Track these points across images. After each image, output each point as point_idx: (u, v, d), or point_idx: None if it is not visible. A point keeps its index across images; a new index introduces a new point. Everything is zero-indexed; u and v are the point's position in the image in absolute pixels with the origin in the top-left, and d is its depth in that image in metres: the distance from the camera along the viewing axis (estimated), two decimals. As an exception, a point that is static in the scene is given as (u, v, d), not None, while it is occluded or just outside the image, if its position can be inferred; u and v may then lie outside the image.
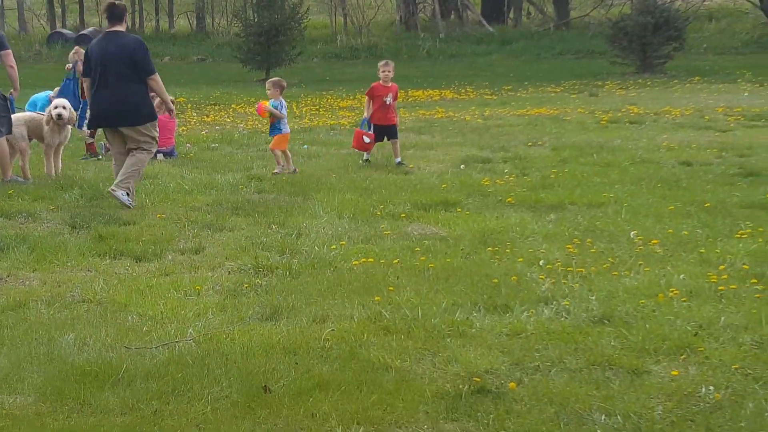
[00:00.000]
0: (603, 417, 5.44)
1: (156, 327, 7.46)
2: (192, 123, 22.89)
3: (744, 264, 8.77)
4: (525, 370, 6.30)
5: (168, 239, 10.60)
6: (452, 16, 63.29)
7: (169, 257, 9.88)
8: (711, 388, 5.87)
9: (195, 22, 67.81)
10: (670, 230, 10.21)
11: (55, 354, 6.78)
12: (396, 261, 9.28)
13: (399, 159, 15.56)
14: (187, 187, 13.92)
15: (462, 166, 15.45)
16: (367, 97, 15.77)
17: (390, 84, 15.54)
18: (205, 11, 67.23)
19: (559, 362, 6.43)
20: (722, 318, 7.22)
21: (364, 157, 15.91)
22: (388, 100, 15.35)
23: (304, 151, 18.14)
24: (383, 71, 15.43)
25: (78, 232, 10.93)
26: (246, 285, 8.63)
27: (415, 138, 20.10)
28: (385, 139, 15.75)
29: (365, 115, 15.60)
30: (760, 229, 10.11)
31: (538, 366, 6.37)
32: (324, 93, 33.64)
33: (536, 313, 7.49)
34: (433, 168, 15.57)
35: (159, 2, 68.09)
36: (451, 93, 32.65)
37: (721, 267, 8.67)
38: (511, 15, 62.37)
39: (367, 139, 15.32)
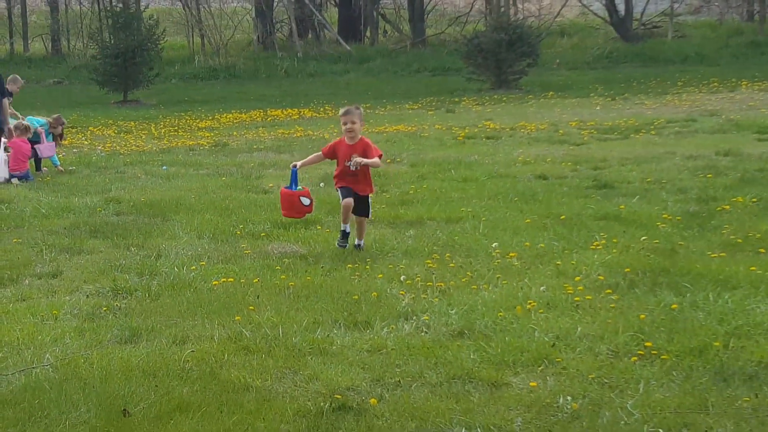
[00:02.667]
0: (463, 430, 5.47)
1: (12, 353, 7.27)
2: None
3: (599, 275, 8.95)
4: (386, 386, 6.31)
5: (24, 264, 10.37)
6: (309, 36, 63.33)
7: (26, 282, 9.66)
8: (569, 398, 5.96)
9: (50, 45, 66.43)
10: (527, 243, 10.38)
11: None
12: (256, 280, 9.23)
13: (360, 242, 10.59)
14: (44, 211, 13.63)
15: (321, 184, 15.44)
16: (321, 154, 10.81)
17: (356, 140, 10.33)
18: (61, 33, 65.91)
19: (420, 377, 6.46)
20: (579, 328, 7.35)
21: (340, 239, 10.65)
22: (353, 164, 10.21)
23: (163, 173, 17.96)
24: (344, 123, 10.32)
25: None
26: (104, 308, 8.47)
27: (275, 157, 20.11)
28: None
29: (295, 164, 10.70)
30: (614, 240, 10.35)
31: (399, 381, 6.38)
32: (183, 114, 33.34)
33: (396, 329, 7.52)
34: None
35: (13, 25, 66.52)
36: (309, 112, 32.71)
37: (577, 278, 8.84)
38: (368, 34, 62.59)
39: (305, 201, 10.54)
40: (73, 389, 6.32)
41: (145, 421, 5.73)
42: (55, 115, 20.18)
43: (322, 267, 9.72)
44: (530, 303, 8.04)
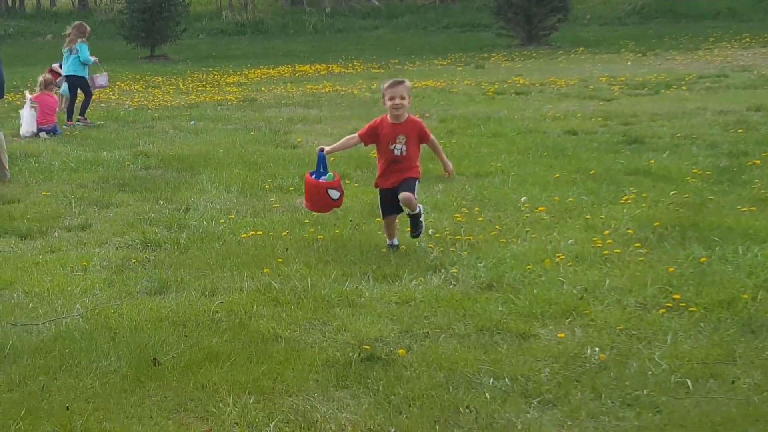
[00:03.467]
0: (491, 380, 5.49)
1: (42, 303, 7.35)
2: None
3: (628, 229, 8.92)
4: (414, 337, 6.33)
5: (54, 216, 10.43)
6: (338, -9, 63.16)
7: (55, 234, 9.73)
8: (596, 349, 5.97)
9: (77, 0, 66.51)
10: (556, 198, 10.35)
11: (-61, 333, 6.64)
12: (285, 233, 9.25)
13: (415, 210, 8.39)
14: (72, 165, 13.72)
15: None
16: (357, 137, 8.66)
17: (404, 119, 8.33)
18: (88, -13, 66.07)
19: (448, 328, 6.48)
20: (607, 281, 7.34)
21: (388, 242, 8.69)
22: (398, 148, 8.33)
23: (191, 127, 17.99)
24: (390, 97, 8.21)
25: (-41, 212, 10.71)
26: (134, 260, 8.53)
27: (303, 112, 20.11)
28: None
29: (322, 147, 8.82)
30: (644, 195, 10.30)
31: (427, 332, 6.41)
32: (210, 69, 33.40)
33: (425, 282, 7.54)
34: (322, 141, 15.50)
35: (39, -21, 66.65)
36: (338, 67, 32.63)
37: (606, 232, 8.80)
38: (397, -11, 62.40)
39: (334, 194, 8.59)
40: (103, 339, 6.39)
41: (175, 370, 5.78)
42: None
43: (350, 221, 9.72)
44: (559, 256, 8.03)
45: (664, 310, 6.66)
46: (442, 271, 7.82)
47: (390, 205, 8.34)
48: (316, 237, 9.07)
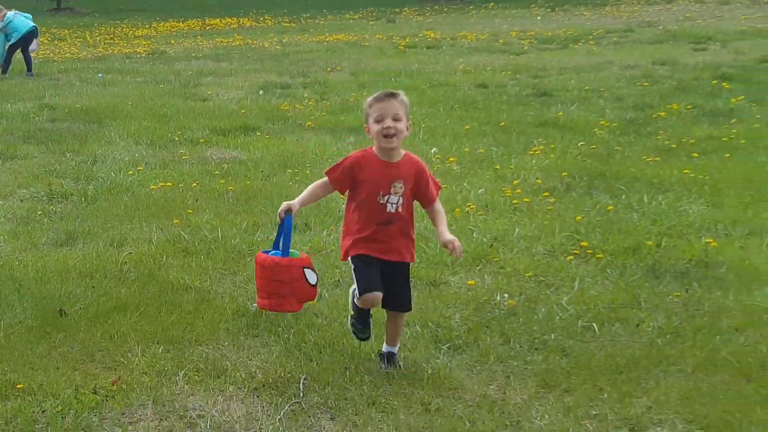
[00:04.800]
0: (403, 328, 5.52)
1: (-56, 256, 7.21)
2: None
3: (537, 179, 9.01)
4: (325, 286, 6.32)
5: (-45, 169, 10.23)
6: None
7: (-43, 187, 9.54)
8: (506, 295, 6.04)
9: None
10: (467, 149, 10.40)
11: None
12: (195, 185, 9.18)
13: (392, 348, 5.15)
14: (-26, 117, 13.45)
15: (261, 92, 15.36)
16: (328, 182, 5.18)
17: (400, 156, 5.09)
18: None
19: (359, 277, 6.47)
20: (516, 230, 7.41)
21: (355, 323, 5.27)
22: (393, 201, 5.02)
23: (98, 80, 17.75)
24: (378, 119, 4.89)
25: None
26: (40, 212, 8.39)
27: (213, 65, 19.93)
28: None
29: (288, 206, 5.11)
30: (552, 146, 10.41)
31: (338, 281, 6.42)
32: (118, 22, 32.90)
33: (336, 231, 7.54)
34: (232, 94, 15.43)
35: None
36: (249, 21, 32.36)
37: (515, 182, 8.88)
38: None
39: (312, 277, 5.11)
40: (7, 290, 6.28)
41: (82, 321, 5.71)
42: None
43: (261, 172, 9.68)
44: (469, 206, 8.08)
45: (571, 257, 6.76)
46: (353, 221, 7.80)
47: (373, 276, 4.98)
48: (226, 188, 9.01)
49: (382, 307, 5.06)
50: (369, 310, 5.19)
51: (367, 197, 5.00)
